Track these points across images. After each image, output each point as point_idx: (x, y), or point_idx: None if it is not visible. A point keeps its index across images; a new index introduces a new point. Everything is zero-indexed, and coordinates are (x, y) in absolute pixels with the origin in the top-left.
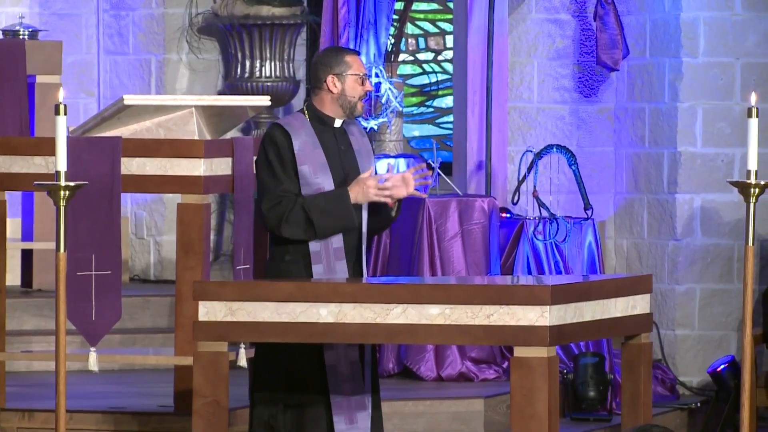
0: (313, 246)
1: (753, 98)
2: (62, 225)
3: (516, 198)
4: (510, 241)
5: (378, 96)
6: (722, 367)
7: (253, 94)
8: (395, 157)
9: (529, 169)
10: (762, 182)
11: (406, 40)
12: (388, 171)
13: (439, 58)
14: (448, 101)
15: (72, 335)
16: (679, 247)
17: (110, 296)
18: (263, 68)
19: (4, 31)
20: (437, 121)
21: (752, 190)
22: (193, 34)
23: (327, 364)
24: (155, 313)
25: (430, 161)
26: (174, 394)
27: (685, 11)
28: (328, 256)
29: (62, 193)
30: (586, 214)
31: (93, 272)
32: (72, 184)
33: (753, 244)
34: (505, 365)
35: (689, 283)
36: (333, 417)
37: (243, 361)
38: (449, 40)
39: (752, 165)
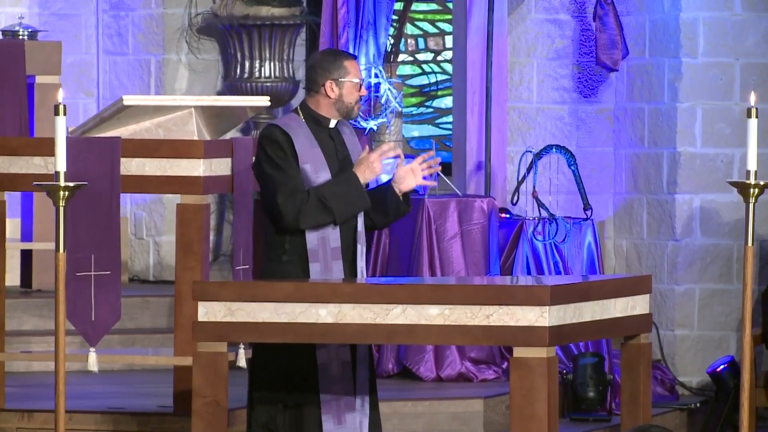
0: (311, 244)
1: (752, 98)
2: (62, 225)
3: (515, 198)
4: (509, 241)
5: (377, 96)
6: (722, 367)
7: (252, 94)
8: (395, 157)
9: (528, 170)
10: (761, 182)
11: (406, 41)
12: (395, 163)
13: (439, 58)
14: (447, 101)
15: (71, 335)
16: (679, 248)
17: (110, 296)
18: (263, 68)
19: (4, 32)
20: (437, 121)
21: (752, 190)
22: (193, 34)
23: (319, 363)
24: (154, 313)
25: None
26: (173, 394)
27: (684, 11)
28: (325, 254)
29: (62, 193)
30: (586, 214)
31: (92, 272)
32: (71, 184)
33: (752, 244)
34: (504, 366)
35: (689, 284)
36: (322, 416)
37: (242, 362)
38: (448, 41)
39: (752, 165)
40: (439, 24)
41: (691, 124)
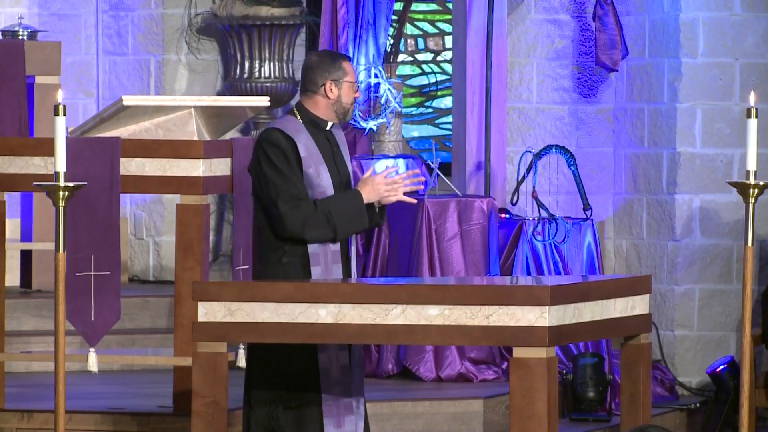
0: (313, 248)
1: (752, 98)
2: (61, 225)
3: (515, 198)
4: (509, 241)
5: (377, 96)
6: (721, 367)
7: (252, 94)
8: (394, 157)
9: (528, 170)
10: (761, 183)
11: (405, 41)
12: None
13: (438, 58)
14: (447, 102)
15: (71, 336)
16: (679, 248)
17: (109, 297)
18: (262, 69)
19: (4, 32)
20: (436, 121)
21: (751, 190)
22: (192, 34)
23: (320, 368)
24: (154, 313)
25: (429, 162)
26: (173, 394)
27: (684, 12)
28: (326, 258)
29: (61, 193)
30: (586, 214)
31: (92, 273)
32: (71, 184)
33: (752, 244)
34: (504, 366)
35: (688, 284)
36: (323, 419)
37: (242, 362)
38: (448, 41)
39: (751, 165)
40: (439, 24)
41: (690, 125)
